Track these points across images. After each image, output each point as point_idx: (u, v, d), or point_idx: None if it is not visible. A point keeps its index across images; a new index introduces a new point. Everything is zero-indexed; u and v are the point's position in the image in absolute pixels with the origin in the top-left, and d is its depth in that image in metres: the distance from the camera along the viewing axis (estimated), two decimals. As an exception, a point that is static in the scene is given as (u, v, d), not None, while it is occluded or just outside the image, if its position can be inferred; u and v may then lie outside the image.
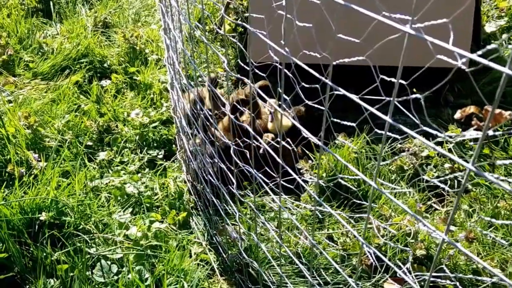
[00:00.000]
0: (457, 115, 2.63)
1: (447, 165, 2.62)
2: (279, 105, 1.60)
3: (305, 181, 2.60)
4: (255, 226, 1.80)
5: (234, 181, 1.68)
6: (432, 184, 2.61)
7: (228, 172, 2.07)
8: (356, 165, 2.66)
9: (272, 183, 1.58)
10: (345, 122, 0.96)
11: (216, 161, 1.87)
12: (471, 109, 2.60)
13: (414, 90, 3.14)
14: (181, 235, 2.31)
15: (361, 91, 1.00)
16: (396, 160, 2.74)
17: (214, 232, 2.31)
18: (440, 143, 2.82)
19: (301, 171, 2.63)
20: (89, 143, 2.85)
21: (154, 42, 3.71)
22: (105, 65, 3.53)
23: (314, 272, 2.14)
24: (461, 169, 2.62)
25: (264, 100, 2.82)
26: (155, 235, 2.22)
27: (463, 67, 0.58)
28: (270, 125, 2.75)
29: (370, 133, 2.80)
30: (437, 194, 2.57)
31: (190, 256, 2.16)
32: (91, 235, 2.20)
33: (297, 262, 1.52)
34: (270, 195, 2.58)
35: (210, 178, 2.07)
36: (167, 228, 2.32)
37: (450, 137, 2.99)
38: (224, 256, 2.23)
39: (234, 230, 2.25)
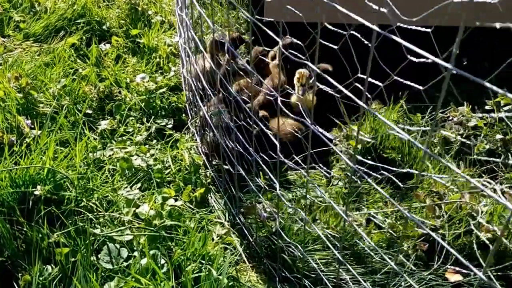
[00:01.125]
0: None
1: (498, 136, 2.31)
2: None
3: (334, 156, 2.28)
4: (302, 202, 1.48)
5: (277, 143, 1.35)
6: (482, 158, 2.31)
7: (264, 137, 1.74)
8: (393, 136, 2.33)
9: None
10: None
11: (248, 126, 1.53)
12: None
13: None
14: (199, 214, 1.99)
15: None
16: (439, 130, 2.43)
17: (239, 211, 1.99)
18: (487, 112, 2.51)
19: (333, 141, 2.30)
20: (89, 111, 2.49)
21: (157, 2, 3.32)
22: (104, 27, 3.14)
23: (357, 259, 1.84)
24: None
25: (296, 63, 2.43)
26: (170, 214, 1.89)
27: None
28: (294, 98, 2.36)
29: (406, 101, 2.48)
30: (488, 170, 2.26)
31: (213, 239, 1.84)
32: (95, 213, 1.87)
33: (330, 246, 1.22)
34: (297, 170, 2.26)
35: (237, 146, 1.74)
36: (183, 206, 1.99)
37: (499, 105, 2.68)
38: (251, 239, 1.91)
39: (263, 209, 1.93)
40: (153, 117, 2.46)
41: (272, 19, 1.37)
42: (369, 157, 2.25)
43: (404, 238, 1.96)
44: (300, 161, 1.73)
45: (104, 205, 1.96)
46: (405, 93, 2.51)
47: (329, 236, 1.80)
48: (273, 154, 1.66)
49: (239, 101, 1.57)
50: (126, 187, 2.07)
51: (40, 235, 1.69)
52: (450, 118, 2.51)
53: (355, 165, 1.12)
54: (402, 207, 2.15)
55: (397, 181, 1.23)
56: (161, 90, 2.56)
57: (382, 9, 0.80)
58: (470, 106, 2.57)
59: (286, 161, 1.41)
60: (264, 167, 1.58)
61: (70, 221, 1.75)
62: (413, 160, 2.24)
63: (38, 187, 1.74)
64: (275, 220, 1.95)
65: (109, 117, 2.47)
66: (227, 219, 2.03)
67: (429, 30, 0.78)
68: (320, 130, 1.17)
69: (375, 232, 1.97)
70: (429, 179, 2.11)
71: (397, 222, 2.01)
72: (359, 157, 2.25)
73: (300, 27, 1.35)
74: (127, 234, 1.73)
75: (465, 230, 1.89)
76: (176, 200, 2.03)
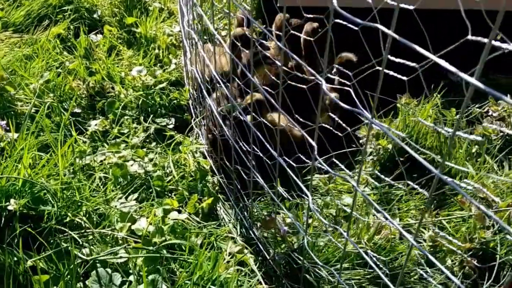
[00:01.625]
0: None
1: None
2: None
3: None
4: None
5: (314, 144, 1.04)
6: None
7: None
8: (432, 134, 2.03)
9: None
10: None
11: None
12: None
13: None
14: (207, 228, 1.68)
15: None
16: (477, 127, 2.13)
17: (253, 223, 1.68)
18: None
19: (360, 141, 2.00)
20: (77, 110, 2.18)
21: (155, -11, 3.01)
22: (95, 15, 2.83)
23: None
24: None
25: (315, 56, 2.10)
26: (172, 229, 1.59)
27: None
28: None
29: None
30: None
31: (224, 259, 1.53)
32: (82, 231, 1.56)
33: (373, 266, 0.92)
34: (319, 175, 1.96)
35: (255, 149, 1.43)
36: (188, 219, 1.69)
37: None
38: (267, 256, 1.61)
39: (283, 222, 1.63)
40: (151, 116, 2.15)
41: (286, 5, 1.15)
42: (401, 159, 1.95)
43: (448, 252, 1.67)
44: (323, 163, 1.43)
45: (95, 219, 1.65)
46: (438, 85, 2.20)
47: (368, 253, 1.50)
48: (303, 157, 1.36)
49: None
50: (121, 198, 1.76)
51: (14, 259, 1.38)
52: (490, 113, 2.21)
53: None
54: (442, 217, 1.86)
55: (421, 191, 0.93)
56: (160, 85, 2.25)
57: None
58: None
59: (324, 165, 1.10)
60: (290, 171, 1.28)
61: (51, 241, 1.45)
62: (454, 161, 1.94)
63: (12, 200, 1.44)
64: (297, 234, 1.65)
65: (100, 117, 2.16)
66: (239, 233, 1.72)
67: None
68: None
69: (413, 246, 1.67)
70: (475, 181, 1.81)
71: (439, 234, 1.72)
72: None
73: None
74: (120, 257, 1.42)
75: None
76: (179, 212, 1.72)
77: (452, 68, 0.64)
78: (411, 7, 0.73)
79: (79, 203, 1.63)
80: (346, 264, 1.59)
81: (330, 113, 1.96)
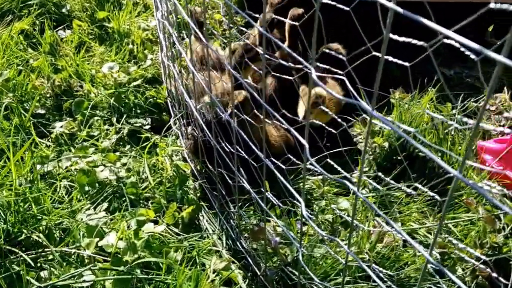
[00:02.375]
0: None
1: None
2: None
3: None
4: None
5: (305, 143, 0.85)
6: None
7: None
8: (429, 131, 1.87)
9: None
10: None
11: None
12: None
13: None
14: (188, 241, 1.48)
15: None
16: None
17: (241, 234, 1.48)
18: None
19: (355, 139, 1.83)
20: (41, 110, 1.95)
21: (129, -19, 2.79)
22: (63, 10, 2.60)
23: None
24: None
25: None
26: (147, 244, 1.38)
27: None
28: (301, 111, 1.79)
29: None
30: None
31: (208, 277, 1.33)
32: (40, 250, 1.34)
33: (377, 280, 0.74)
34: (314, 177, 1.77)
35: (239, 150, 1.24)
36: (166, 231, 1.48)
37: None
38: (258, 271, 1.41)
39: (274, 232, 1.44)
40: (125, 116, 1.94)
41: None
42: (399, 158, 1.79)
43: (458, 260, 1.50)
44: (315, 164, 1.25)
45: (57, 235, 1.43)
46: (431, 80, 2.05)
47: (370, 266, 1.32)
48: (293, 159, 1.18)
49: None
50: (89, 209, 1.54)
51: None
52: (487, 107, 2.07)
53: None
54: (448, 220, 1.70)
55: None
56: (135, 83, 2.04)
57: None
58: (510, 92, 2.14)
59: (317, 166, 0.91)
60: (278, 174, 1.09)
61: (1, 264, 1.22)
62: (456, 159, 1.79)
63: (-47, 217, 1.21)
64: (291, 246, 1.46)
65: (68, 118, 1.93)
66: (224, 245, 1.52)
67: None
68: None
69: (419, 254, 1.50)
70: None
71: (446, 239, 1.55)
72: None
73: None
74: (83, 280, 1.21)
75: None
76: (156, 223, 1.52)
77: (470, 43, 0.48)
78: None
79: (38, 217, 1.41)
80: (347, 277, 1.41)
81: (322, 107, 1.80)
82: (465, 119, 0.64)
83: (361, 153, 1.86)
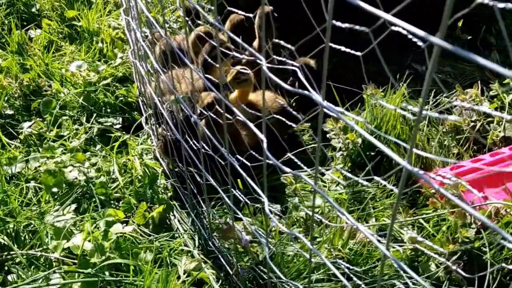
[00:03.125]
0: None
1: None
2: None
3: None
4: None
5: (264, 138, 0.85)
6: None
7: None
8: (402, 124, 1.89)
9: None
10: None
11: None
12: None
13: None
14: (158, 241, 1.46)
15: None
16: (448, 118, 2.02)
17: (212, 233, 1.48)
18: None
19: (327, 135, 1.84)
20: (9, 111, 1.90)
21: (101, -21, 2.74)
22: (33, 10, 2.54)
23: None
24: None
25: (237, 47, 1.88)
26: (117, 245, 1.36)
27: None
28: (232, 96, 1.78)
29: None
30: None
31: (179, 277, 1.32)
32: (6, 253, 1.30)
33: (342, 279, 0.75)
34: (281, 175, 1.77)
35: (205, 147, 1.23)
36: (136, 231, 1.46)
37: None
38: (230, 271, 1.41)
39: (244, 229, 1.43)
40: (95, 115, 1.90)
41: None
42: (372, 153, 1.81)
43: (434, 252, 1.52)
44: (274, 159, 1.26)
45: (24, 237, 1.40)
46: (403, 75, 2.09)
47: (339, 262, 1.33)
48: (257, 155, 1.17)
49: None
50: (57, 210, 1.51)
51: None
52: (458, 102, 2.11)
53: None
54: (420, 216, 1.72)
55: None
56: (104, 82, 2.01)
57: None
58: (479, 88, 2.19)
59: (276, 162, 0.91)
60: (242, 172, 1.09)
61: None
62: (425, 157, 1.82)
63: None
64: (263, 245, 1.46)
65: (36, 118, 1.89)
66: (197, 244, 1.51)
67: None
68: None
69: (392, 250, 1.51)
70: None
71: (420, 235, 1.57)
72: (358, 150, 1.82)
73: None
74: (49, 284, 1.18)
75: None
76: (126, 223, 1.49)
77: (407, 26, 0.49)
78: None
79: (4, 220, 1.37)
80: (321, 275, 1.41)
81: (280, 101, 1.80)
82: (411, 107, 0.65)
83: (336, 149, 1.88)
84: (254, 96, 1.79)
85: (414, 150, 0.64)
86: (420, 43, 0.54)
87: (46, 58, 2.14)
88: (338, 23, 0.61)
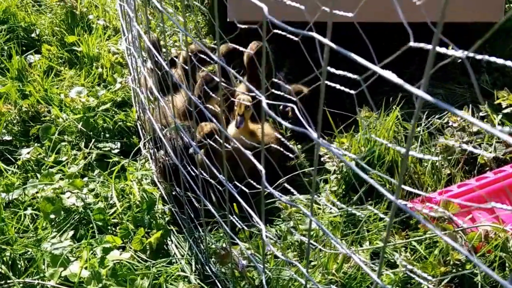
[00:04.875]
0: None
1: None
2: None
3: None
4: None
5: (262, 168, 0.88)
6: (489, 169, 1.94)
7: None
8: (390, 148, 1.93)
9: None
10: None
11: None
12: None
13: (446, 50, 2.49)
14: (155, 267, 1.47)
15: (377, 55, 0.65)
16: (438, 139, 2.06)
17: (209, 257, 1.49)
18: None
19: (322, 159, 1.87)
20: (7, 137, 1.93)
21: (99, 5, 2.81)
22: (33, 35, 2.59)
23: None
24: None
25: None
26: (113, 272, 1.37)
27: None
28: (232, 129, 1.84)
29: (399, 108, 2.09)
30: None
31: (175, 304, 1.32)
32: (3, 282, 1.31)
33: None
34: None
35: (202, 173, 1.26)
36: (133, 258, 1.47)
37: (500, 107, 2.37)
38: (227, 296, 1.41)
39: (241, 255, 1.45)
40: (93, 140, 1.93)
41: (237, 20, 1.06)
42: (367, 174, 1.83)
43: (422, 278, 1.53)
44: (271, 189, 1.28)
45: (20, 265, 1.40)
46: (396, 97, 2.13)
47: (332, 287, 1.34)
48: (254, 183, 1.20)
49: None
50: (55, 237, 1.52)
51: None
52: (450, 123, 2.16)
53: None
54: (412, 238, 1.74)
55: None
56: (103, 107, 2.04)
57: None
58: (469, 109, 2.24)
59: (273, 191, 0.94)
60: (240, 199, 1.11)
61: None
62: (417, 176, 1.85)
63: None
64: (259, 270, 1.47)
65: (35, 144, 1.91)
66: (194, 269, 1.52)
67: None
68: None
69: (385, 273, 1.53)
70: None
71: (412, 257, 1.59)
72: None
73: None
74: (46, 313, 1.19)
75: (500, 263, 1.50)
76: (123, 249, 1.51)
77: (397, 80, 0.53)
78: (350, 15, 0.62)
79: (2, 248, 1.38)
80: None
81: (277, 134, 1.84)
82: (398, 148, 0.69)
83: (330, 172, 1.91)
84: (252, 126, 1.84)
85: (403, 186, 0.67)
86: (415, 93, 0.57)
87: (45, 83, 2.18)
88: (332, 70, 0.65)
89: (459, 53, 0.50)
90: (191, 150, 1.69)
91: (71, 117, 1.97)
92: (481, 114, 2.12)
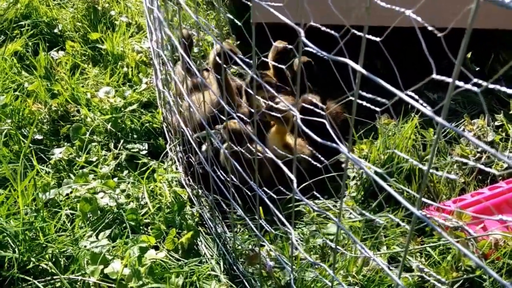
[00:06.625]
0: None
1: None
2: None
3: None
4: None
5: (293, 177, 0.96)
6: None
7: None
8: (412, 155, 2.01)
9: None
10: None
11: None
12: None
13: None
14: (188, 266, 1.56)
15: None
16: (455, 148, 2.14)
17: (237, 258, 1.58)
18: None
19: (342, 165, 1.95)
20: (38, 136, 2.00)
21: (121, 1, 2.85)
22: (55, 30, 2.63)
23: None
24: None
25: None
26: (150, 270, 1.46)
27: None
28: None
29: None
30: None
31: (209, 302, 1.42)
32: (49, 278, 1.40)
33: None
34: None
35: (233, 179, 1.34)
36: (167, 257, 1.56)
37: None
38: (255, 295, 1.51)
39: (268, 256, 1.54)
40: (122, 141, 2.00)
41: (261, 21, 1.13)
42: (386, 182, 1.91)
43: (438, 281, 1.64)
44: (302, 197, 1.37)
45: (62, 263, 1.49)
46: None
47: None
48: (283, 190, 1.28)
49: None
50: (91, 236, 1.61)
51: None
52: (466, 132, 2.23)
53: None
54: (427, 244, 1.84)
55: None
56: (130, 107, 2.11)
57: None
58: (485, 118, 2.31)
59: (303, 198, 1.02)
60: (270, 204, 1.19)
61: (13, 295, 1.28)
62: (433, 184, 1.93)
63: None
64: (284, 270, 1.57)
65: (65, 144, 1.98)
66: (222, 269, 1.62)
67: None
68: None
69: (402, 276, 1.63)
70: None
71: (426, 262, 1.69)
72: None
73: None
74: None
75: (508, 269, 1.60)
76: (157, 249, 1.59)
77: (420, 107, 0.62)
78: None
79: (44, 246, 1.47)
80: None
81: (307, 146, 1.93)
82: (420, 166, 0.76)
83: (351, 177, 1.99)
84: (288, 139, 1.92)
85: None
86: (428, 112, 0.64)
87: (72, 82, 2.24)
88: (363, 93, 0.73)
89: (476, 89, 0.56)
90: (221, 157, 1.77)
91: (100, 117, 2.04)
92: (496, 123, 2.19)
